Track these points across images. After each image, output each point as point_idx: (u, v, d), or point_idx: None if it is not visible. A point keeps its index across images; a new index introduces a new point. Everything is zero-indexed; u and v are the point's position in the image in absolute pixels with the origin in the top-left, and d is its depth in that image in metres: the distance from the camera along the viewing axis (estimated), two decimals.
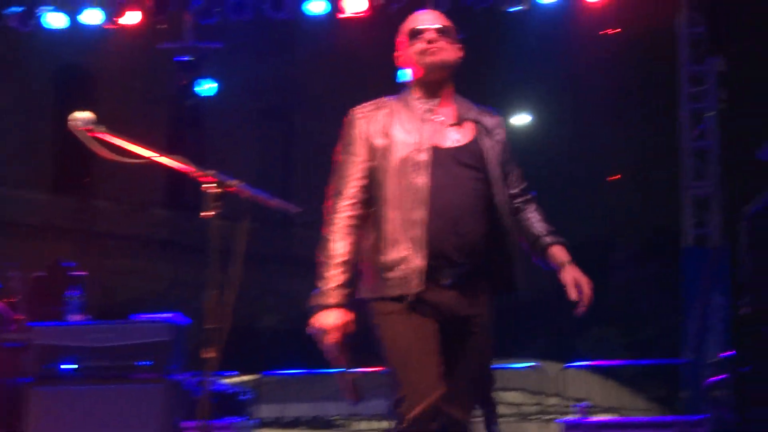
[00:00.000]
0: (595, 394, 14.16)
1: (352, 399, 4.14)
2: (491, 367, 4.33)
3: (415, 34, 4.24)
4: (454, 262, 4.01)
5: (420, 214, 4.00)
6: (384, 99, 4.30)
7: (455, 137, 4.16)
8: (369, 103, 4.29)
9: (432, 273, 3.98)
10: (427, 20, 4.29)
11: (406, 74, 4.32)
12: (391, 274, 4.02)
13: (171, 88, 11.63)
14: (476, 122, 4.23)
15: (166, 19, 10.98)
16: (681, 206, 10.58)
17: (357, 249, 4.09)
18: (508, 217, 4.18)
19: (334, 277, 4.04)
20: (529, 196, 4.35)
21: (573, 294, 4.08)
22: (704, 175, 10.54)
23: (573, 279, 4.12)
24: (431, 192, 4.02)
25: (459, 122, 4.21)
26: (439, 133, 4.14)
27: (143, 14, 10.76)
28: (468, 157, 4.13)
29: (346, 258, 4.06)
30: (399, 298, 3.99)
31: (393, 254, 4.02)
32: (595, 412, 12.59)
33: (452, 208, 4.02)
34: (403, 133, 4.13)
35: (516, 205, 4.29)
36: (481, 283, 4.10)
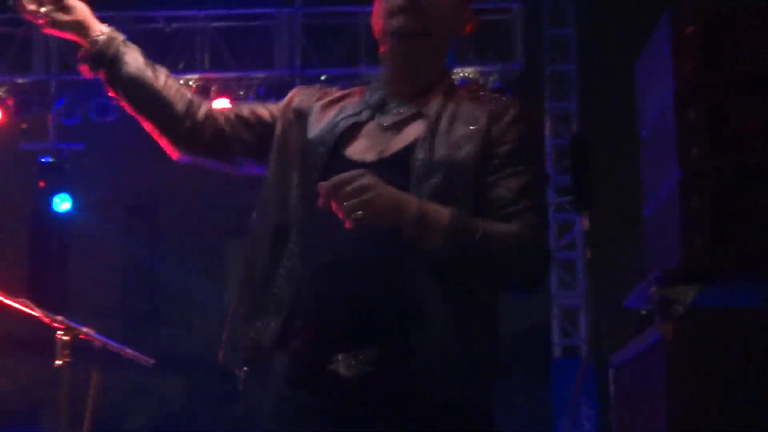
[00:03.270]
0: None
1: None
2: None
3: None
4: (348, 343, 2.43)
5: (291, 261, 2.53)
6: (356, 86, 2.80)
7: (383, 144, 2.57)
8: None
9: (320, 356, 2.45)
10: None
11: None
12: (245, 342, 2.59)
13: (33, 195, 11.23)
14: (431, 117, 2.57)
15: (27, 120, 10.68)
16: (550, 316, 10.60)
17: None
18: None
19: None
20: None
21: None
22: (572, 285, 10.57)
23: None
24: (309, 224, 2.53)
25: (406, 119, 2.60)
26: (364, 138, 2.60)
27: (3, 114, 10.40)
28: (392, 172, 2.47)
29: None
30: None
31: (254, 319, 2.58)
32: None
33: (348, 256, 2.46)
34: (316, 131, 2.66)
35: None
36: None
